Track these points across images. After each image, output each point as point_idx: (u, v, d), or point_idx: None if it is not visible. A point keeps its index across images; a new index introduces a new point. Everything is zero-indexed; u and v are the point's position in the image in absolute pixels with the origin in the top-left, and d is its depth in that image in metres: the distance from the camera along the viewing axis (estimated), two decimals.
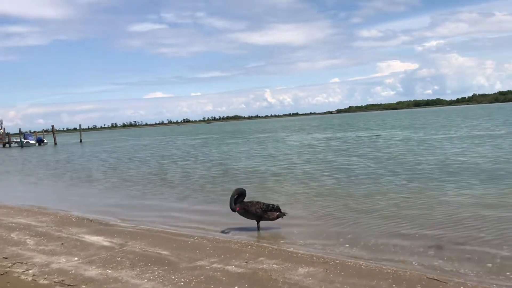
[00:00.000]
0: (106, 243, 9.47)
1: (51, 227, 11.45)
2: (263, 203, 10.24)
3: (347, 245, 8.84)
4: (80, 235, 10.33)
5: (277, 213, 10.23)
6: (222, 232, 10.42)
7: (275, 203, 10.78)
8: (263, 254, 8.09)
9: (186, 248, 8.75)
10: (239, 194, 10.34)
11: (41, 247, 9.34)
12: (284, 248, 8.57)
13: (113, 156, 40.29)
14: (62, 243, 9.59)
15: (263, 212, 10.13)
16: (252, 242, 9.11)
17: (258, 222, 10.28)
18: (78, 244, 9.51)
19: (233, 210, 10.16)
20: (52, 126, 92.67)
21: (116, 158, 37.40)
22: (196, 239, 9.53)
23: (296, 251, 8.35)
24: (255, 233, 10.12)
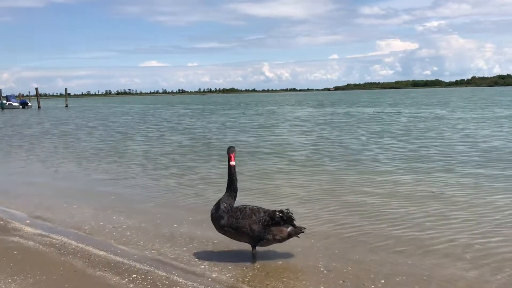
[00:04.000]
0: None
1: None
2: (264, 212, 5.56)
3: None
4: None
5: (289, 228, 5.58)
6: (189, 260, 5.74)
7: (281, 205, 6.10)
8: None
9: None
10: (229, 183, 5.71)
11: None
12: None
13: (83, 122, 35.42)
14: None
15: (264, 229, 5.47)
16: None
17: (253, 247, 5.63)
18: None
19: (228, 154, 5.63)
20: (36, 89, 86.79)
21: (83, 124, 32.55)
22: (132, 279, 4.90)
23: None
24: (248, 266, 5.46)
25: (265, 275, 5.20)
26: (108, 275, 5.08)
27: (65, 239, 6.48)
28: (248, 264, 5.50)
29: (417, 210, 7.71)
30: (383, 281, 4.94)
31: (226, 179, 5.70)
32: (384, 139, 18.30)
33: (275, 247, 5.87)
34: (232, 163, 5.59)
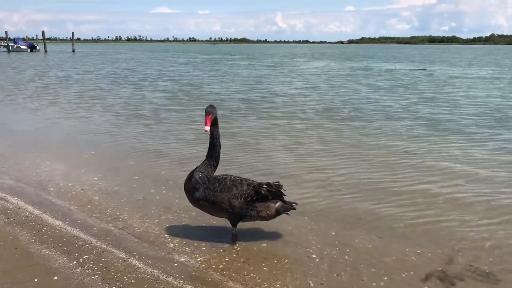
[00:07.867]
0: None
1: None
2: (248, 185, 4.61)
3: None
4: None
5: (277, 204, 4.64)
6: (157, 236, 4.86)
7: (269, 177, 5.13)
8: None
9: None
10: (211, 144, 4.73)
11: None
12: None
13: (82, 67, 34.22)
14: None
15: (247, 205, 4.54)
16: None
17: (234, 225, 4.72)
18: None
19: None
20: (43, 32, 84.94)
21: (80, 69, 31.37)
22: (82, 262, 4.05)
23: None
24: (226, 248, 4.57)
25: (244, 261, 4.32)
26: (54, 255, 4.22)
27: (21, 203, 5.63)
28: (227, 245, 4.61)
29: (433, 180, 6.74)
30: (385, 278, 4.03)
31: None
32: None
33: (262, 224, 4.99)
34: (206, 128, 4.54)
